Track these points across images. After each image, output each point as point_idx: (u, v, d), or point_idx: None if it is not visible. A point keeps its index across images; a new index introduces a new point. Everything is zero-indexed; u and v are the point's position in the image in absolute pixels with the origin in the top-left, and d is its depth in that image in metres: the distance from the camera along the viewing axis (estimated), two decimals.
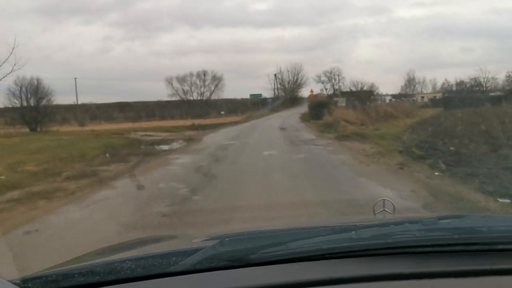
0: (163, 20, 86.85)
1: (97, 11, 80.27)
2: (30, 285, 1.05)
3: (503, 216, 1.98)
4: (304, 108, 68.69)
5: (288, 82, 78.02)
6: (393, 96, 48.56)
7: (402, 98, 43.26)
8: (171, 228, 4.92)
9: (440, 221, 1.32)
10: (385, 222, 1.40)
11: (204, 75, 75.70)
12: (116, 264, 1.11)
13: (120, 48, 77.44)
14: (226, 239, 1.21)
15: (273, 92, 75.06)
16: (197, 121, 35.54)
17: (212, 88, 75.83)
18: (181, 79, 74.63)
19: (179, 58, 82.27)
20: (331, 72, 70.44)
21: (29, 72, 34.62)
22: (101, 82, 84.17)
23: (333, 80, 69.77)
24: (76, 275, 1.08)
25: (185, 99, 76.61)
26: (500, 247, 1.17)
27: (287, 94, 77.74)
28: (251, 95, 60.17)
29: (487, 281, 1.05)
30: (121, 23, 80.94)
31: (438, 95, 50.20)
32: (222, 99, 73.69)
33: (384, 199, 1.77)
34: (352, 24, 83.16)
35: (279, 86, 76.35)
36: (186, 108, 63.66)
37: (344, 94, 57.05)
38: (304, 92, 79.61)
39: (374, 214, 1.73)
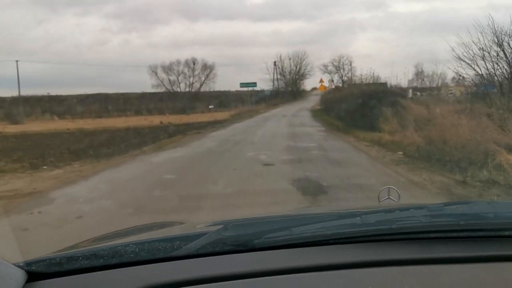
0: (160, 12, 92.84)
1: (94, 2, 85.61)
2: (34, 267, 1.09)
3: (510, 202, 2.04)
4: (309, 103, 58.11)
5: (290, 72, 65.49)
6: (414, 89, 43.87)
7: (427, 92, 38.73)
8: None
9: (446, 207, 1.34)
10: (390, 208, 1.44)
11: (194, 64, 63.62)
12: (120, 248, 1.15)
13: (117, 39, 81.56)
14: (230, 224, 1.26)
15: (272, 83, 62.18)
16: (169, 119, 31.87)
17: (203, 79, 63.44)
18: (167, 68, 62.92)
19: (176, 50, 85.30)
20: (339, 61, 58.33)
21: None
22: (98, 73, 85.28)
23: (342, 70, 57.68)
24: (80, 258, 1.12)
25: (171, 90, 69.35)
26: (507, 233, 1.21)
27: (289, 86, 64.91)
28: (241, 84, 53.37)
29: (492, 267, 1.09)
30: (118, 14, 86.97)
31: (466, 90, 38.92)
32: (214, 91, 67.73)
33: (389, 187, 1.79)
34: (350, 18, 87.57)
35: (279, 76, 63.48)
36: (172, 100, 59.26)
37: (356, 86, 46.89)
38: (308, 84, 76.25)
39: (379, 202, 1.76)
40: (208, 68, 66.69)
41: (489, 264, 1.08)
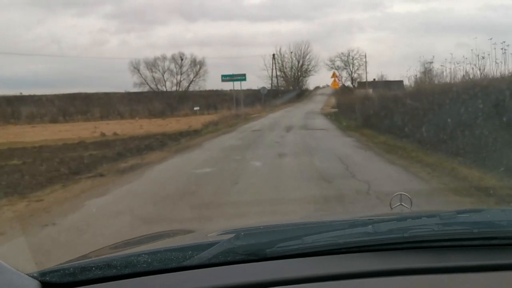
0: (158, 12, 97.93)
1: (92, 3, 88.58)
2: (47, 278, 1.14)
3: None
4: (316, 104, 50.04)
5: (291, 68, 55.86)
6: None
7: None
8: None
9: (459, 215, 1.38)
10: (402, 216, 1.49)
11: (181, 59, 54.61)
12: (132, 258, 1.21)
13: (115, 40, 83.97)
14: (242, 233, 1.31)
15: (270, 81, 52.59)
16: (131, 126, 27.61)
17: (191, 76, 54.59)
18: (151, 64, 53.08)
19: (174, 50, 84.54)
20: (348, 55, 48.97)
21: None
22: (97, 73, 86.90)
23: (351, 66, 48.38)
24: (94, 268, 1.17)
25: (156, 89, 62.77)
26: None
27: (290, 84, 54.95)
28: (223, 76, 43.38)
29: (506, 276, 1.13)
30: (116, 15, 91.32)
31: None
32: (204, 91, 60.64)
33: (401, 194, 1.80)
34: (347, 18, 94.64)
35: (278, 73, 53.73)
36: (154, 101, 52.63)
37: (369, 84, 44.97)
38: (311, 83, 75.32)
39: (391, 208, 1.78)
40: (197, 64, 57.71)
41: (503, 273, 1.13)
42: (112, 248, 1.66)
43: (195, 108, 42.54)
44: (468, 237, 1.22)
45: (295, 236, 1.24)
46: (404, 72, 35.98)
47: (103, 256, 1.35)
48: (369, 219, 1.41)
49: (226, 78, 41.09)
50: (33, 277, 1.11)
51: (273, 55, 59.84)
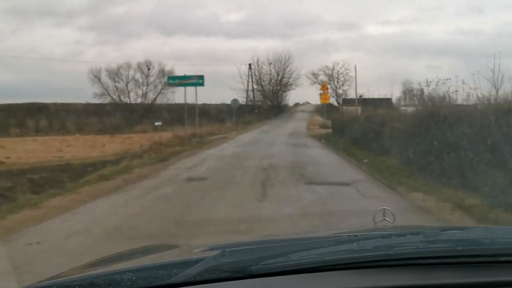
0: (135, 25, 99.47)
1: (67, 14, 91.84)
2: None
3: (506, 228, 2.32)
4: (299, 122, 44.38)
5: (270, 81, 49.78)
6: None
7: None
8: None
9: (443, 232, 1.42)
10: (387, 234, 1.51)
11: (148, 68, 48.19)
12: (116, 276, 1.21)
13: (92, 51, 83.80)
14: (227, 250, 1.32)
15: (245, 94, 46.47)
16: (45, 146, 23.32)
17: (159, 88, 48.43)
18: (114, 73, 46.20)
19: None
20: (333, 69, 43.54)
21: None
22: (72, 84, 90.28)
23: (336, 81, 42.90)
24: (76, 287, 1.17)
25: (118, 101, 54.60)
26: (503, 259, 1.30)
27: (268, 99, 48.69)
28: (169, 78, 34.75)
29: None
30: (92, 27, 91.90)
31: None
32: (174, 104, 51.33)
33: (384, 208, 1.82)
34: (323, 38, 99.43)
35: (255, 86, 47.62)
36: (115, 114, 45.86)
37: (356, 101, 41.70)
38: (291, 98, 70.02)
39: (374, 223, 1.80)
40: (166, 75, 51.23)
41: None
42: (95, 264, 1.65)
43: (156, 124, 38.53)
44: (452, 254, 1.26)
45: (281, 253, 1.27)
46: (378, 91, 32.27)
47: (85, 274, 1.35)
48: (354, 235, 1.46)
49: (174, 81, 30.60)
50: None
51: (249, 64, 54.13)
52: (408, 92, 51.35)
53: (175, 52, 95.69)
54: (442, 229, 1.43)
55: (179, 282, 1.15)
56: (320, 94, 41.83)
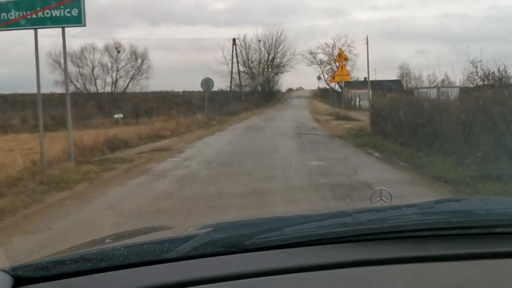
0: (121, 15, 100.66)
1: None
2: (20, 272, 1.18)
3: (501, 199, 2.20)
4: (298, 110, 38.52)
5: (259, 62, 41.64)
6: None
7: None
8: None
9: (437, 204, 1.46)
10: (382, 207, 1.60)
11: (118, 51, 39.28)
12: (108, 251, 1.26)
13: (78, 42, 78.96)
14: (221, 226, 1.39)
15: (230, 78, 37.91)
16: None
17: (131, 73, 39.69)
18: (78, 58, 45.69)
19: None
20: (333, 47, 35.33)
21: None
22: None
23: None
24: (68, 262, 1.20)
25: (83, 90, 46.16)
26: (499, 230, 1.34)
27: (257, 83, 39.92)
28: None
29: (485, 264, 1.21)
30: None
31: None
32: (149, 92, 44.99)
33: (381, 189, 1.84)
34: (311, 24, 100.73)
35: (241, 68, 38.83)
36: (84, 104, 38.59)
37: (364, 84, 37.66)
38: (285, 82, 62.55)
39: (371, 203, 1.86)
40: (139, 58, 43.27)
41: (481, 261, 1.21)
42: (89, 244, 1.68)
43: (116, 116, 31.92)
44: (446, 226, 1.30)
45: (275, 227, 1.31)
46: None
47: (77, 252, 1.39)
48: (348, 210, 1.51)
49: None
50: (5, 271, 1.16)
51: (234, 40, 45.07)
52: (403, 76, 47.52)
53: (163, 42, 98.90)
54: (437, 202, 1.44)
55: (172, 258, 1.18)
56: (329, 72, 33.77)
